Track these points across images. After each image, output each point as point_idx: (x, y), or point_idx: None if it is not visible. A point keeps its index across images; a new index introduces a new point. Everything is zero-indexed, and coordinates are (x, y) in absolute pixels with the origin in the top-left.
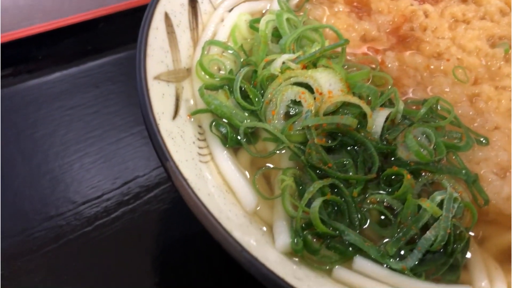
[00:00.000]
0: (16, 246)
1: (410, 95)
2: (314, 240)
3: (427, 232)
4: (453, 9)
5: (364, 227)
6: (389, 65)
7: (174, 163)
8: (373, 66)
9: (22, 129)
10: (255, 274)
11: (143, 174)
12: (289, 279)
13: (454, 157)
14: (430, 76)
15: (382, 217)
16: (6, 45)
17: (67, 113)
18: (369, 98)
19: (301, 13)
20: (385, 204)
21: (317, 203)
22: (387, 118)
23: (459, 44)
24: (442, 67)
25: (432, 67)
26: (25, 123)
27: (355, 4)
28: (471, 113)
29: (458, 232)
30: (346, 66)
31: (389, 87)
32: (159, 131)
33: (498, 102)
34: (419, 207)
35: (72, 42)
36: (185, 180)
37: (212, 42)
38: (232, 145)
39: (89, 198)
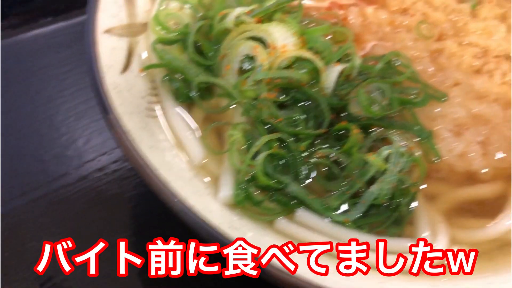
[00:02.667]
0: None
1: (371, 50)
2: (259, 192)
3: (372, 186)
4: None
5: (310, 181)
6: (352, 21)
7: (116, 115)
8: (335, 21)
9: None
10: (187, 223)
11: None
12: (223, 227)
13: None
14: (393, 32)
15: (329, 171)
16: None
17: (40, 72)
18: None
19: None
20: (333, 158)
21: (261, 156)
22: (341, 73)
23: (426, 0)
24: (406, 23)
25: (396, 23)
26: None
27: None
28: (431, 69)
29: (404, 186)
30: (306, 22)
31: (348, 42)
32: (102, 85)
33: (460, 58)
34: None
35: (45, 1)
36: (125, 132)
37: None
38: (184, 100)
39: (58, 156)
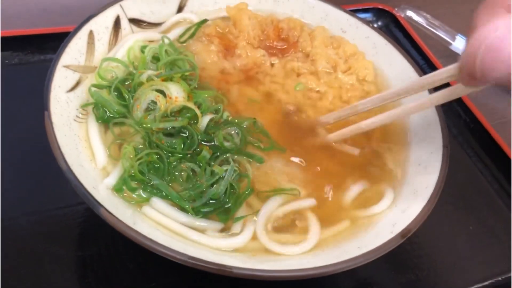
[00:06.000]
0: None
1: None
2: (136, 184)
3: (213, 186)
4: (293, 64)
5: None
6: (232, 93)
7: (49, 112)
8: (220, 91)
9: None
10: (82, 197)
11: None
12: (106, 204)
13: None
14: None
15: (188, 177)
16: None
17: None
18: None
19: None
20: (191, 168)
21: (140, 160)
22: (212, 120)
23: (284, 89)
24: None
25: (260, 100)
26: None
27: (225, 46)
28: None
29: (233, 190)
30: (197, 86)
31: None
32: (48, 91)
33: None
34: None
35: None
36: (51, 123)
37: (107, 59)
38: (103, 122)
39: None
